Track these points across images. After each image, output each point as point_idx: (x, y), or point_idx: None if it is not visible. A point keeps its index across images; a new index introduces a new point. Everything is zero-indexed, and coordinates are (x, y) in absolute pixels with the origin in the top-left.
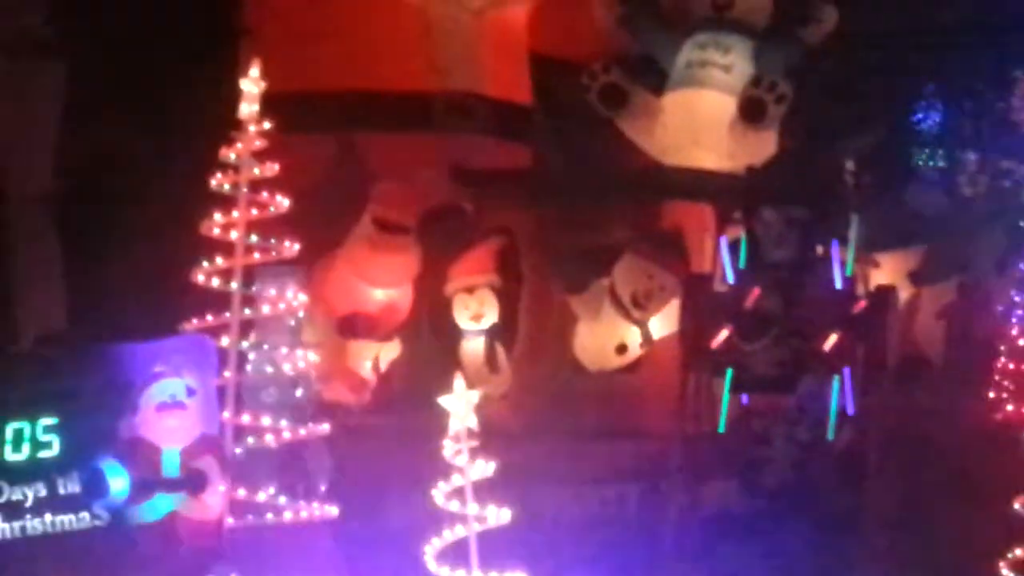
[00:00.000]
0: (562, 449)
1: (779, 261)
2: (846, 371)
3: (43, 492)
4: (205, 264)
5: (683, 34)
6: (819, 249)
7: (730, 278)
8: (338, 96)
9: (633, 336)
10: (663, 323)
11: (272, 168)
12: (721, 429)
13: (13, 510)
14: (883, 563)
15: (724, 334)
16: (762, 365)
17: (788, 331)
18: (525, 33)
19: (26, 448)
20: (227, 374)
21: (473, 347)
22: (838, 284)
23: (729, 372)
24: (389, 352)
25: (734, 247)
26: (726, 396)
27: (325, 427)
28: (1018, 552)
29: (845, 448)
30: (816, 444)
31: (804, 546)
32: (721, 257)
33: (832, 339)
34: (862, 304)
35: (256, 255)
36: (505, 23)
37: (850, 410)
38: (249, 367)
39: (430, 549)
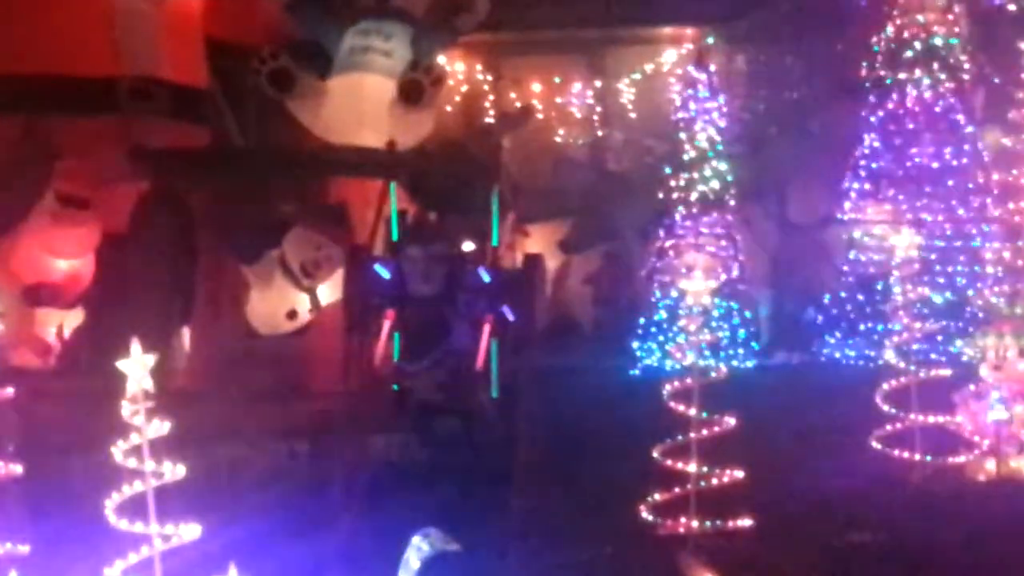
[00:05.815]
0: (237, 408)
1: (426, 295)
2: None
3: None
4: None
5: (347, 22)
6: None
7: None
8: (25, 79)
9: (303, 302)
10: (330, 290)
11: None
12: (396, 387)
13: None
14: (534, 509)
15: (386, 325)
16: (425, 390)
17: (445, 352)
18: (201, 19)
19: None
20: None
21: None
22: (486, 279)
23: (395, 387)
24: (73, 319)
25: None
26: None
27: (10, 390)
28: (656, 497)
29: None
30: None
31: (462, 495)
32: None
33: (481, 354)
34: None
35: None
36: (182, 10)
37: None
38: None
39: (110, 503)
